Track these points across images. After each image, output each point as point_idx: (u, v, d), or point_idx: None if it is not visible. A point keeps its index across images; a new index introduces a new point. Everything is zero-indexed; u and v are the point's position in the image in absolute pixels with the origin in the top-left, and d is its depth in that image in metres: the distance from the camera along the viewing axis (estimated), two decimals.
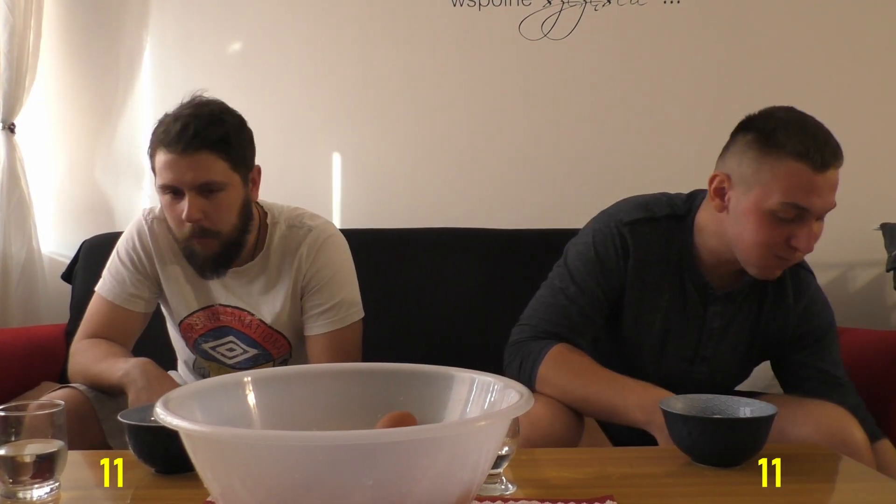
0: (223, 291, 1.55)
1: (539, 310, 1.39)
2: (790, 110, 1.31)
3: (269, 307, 1.55)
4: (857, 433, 1.24)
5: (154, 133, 1.43)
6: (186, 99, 1.46)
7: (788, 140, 1.24)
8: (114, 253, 1.57)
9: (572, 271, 1.39)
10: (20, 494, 0.94)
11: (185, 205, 1.40)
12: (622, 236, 1.37)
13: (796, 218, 1.25)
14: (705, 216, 1.37)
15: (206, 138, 1.39)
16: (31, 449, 0.95)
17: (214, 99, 1.47)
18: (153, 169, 1.45)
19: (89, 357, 1.47)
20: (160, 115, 1.47)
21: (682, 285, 1.38)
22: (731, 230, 1.31)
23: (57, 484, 0.96)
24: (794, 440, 1.23)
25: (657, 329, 1.40)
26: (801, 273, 1.43)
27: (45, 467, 0.95)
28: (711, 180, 1.34)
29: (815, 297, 1.43)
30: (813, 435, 1.24)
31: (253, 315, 1.55)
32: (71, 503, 0.96)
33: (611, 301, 1.39)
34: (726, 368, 1.44)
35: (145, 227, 1.55)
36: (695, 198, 1.42)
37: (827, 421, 1.26)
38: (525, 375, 1.33)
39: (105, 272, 1.57)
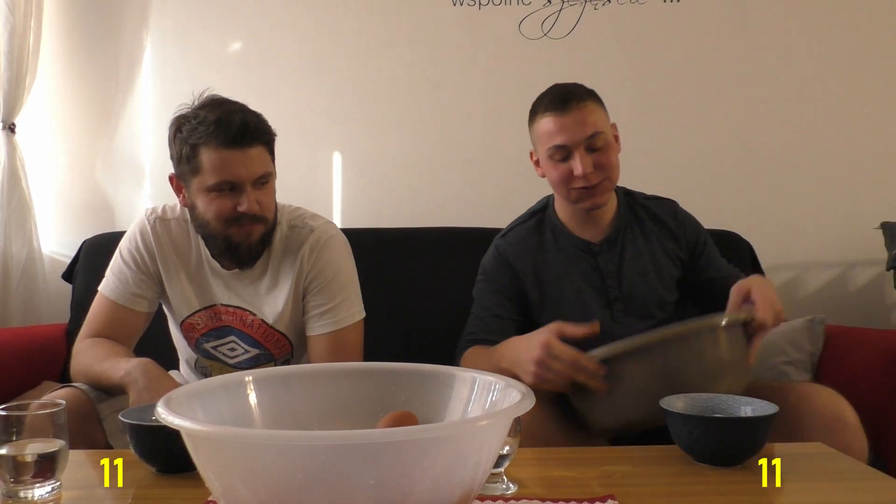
0: (225, 291, 1.55)
1: (464, 332, 1.63)
2: (552, 86, 1.62)
3: (271, 307, 1.55)
4: (849, 413, 1.31)
5: (191, 132, 1.41)
6: (198, 98, 1.46)
7: (538, 105, 1.60)
8: (116, 253, 1.57)
9: (477, 295, 1.67)
10: (21, 494, 0.94)
11: (243, 199, 1.42)
12: (497, 248, 1.68)
13: (566, 155, 1.55)
14: (555, 196, 1.69)
15: (262, 132, 1.45)
16: (33, 448, 0.95)
17: (222, 96, 1.48)
18: (193, 169, 1.42)
19: (91, 356, 1.47)
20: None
21: (566, 253, 1.63)
22: (551, 186, 1.63)
23: (58, 483, 0.97)
24: (790, 421, 1.26)
25: (572, 297, 1.61)
26: (665, 202, 1.72)
27: (46, 467, 0.95)
28: (531, 157, 1.67)
29: (684, 213, 1.71)
30: (809, 415, 1.29)
31: (254, 315, 1.55)
32: (72, 503, 0.96)
33: (515, 298, 1.63)
34: (641, 300, 1.62)
35: (148, 227, 1.55)
36: (549, 197, 1.73)
37: (821, 401, 1.32)
38: None
39: (108, 272, 1.57)
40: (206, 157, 1.40)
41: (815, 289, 2.44)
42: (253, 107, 1.50)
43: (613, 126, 1.61)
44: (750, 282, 1.42)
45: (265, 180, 1.45)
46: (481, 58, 2.46)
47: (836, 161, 2.45)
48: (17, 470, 0.94)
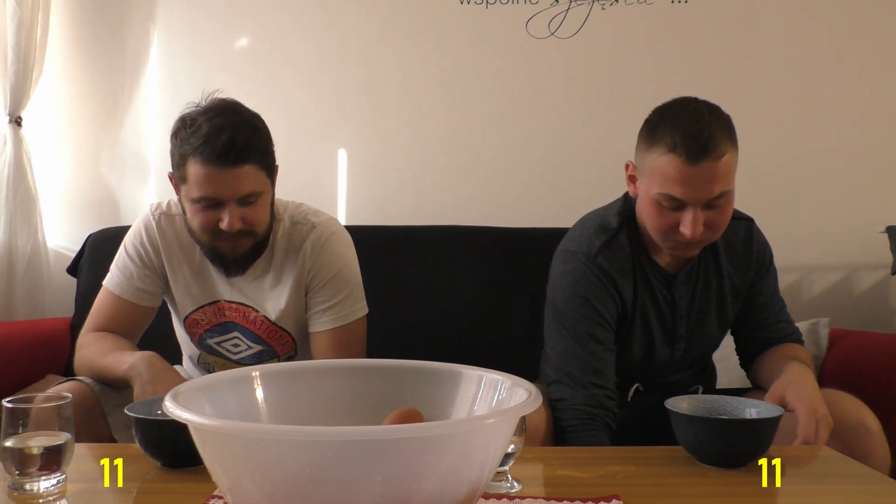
0: (228, 287, 1.55)
1: (573, 361, 1.42)
2: (682, 102, 1.35)
3: (274, 304, 1.55)
4: (870, 420, 1.30)
5: (184, 140, 1.39)
6: (203, 100, 1.43)
7: (664, 134, 1.30)
8: (121, 247, 1.58)
9: (574, 324, 1.43)
10: (27, 486, 0.94)
11: (224, 215, 1.39)
12: (600, 267, 1.43)
13: (678, 206, 1.31)
14: (638, 209, 1.45)
15: (252, 152, 1.38)
16: (39, 441, 0.95)
17: (233, 101, 1.45)
18: (181, 177, 1.41)
19: (95, 350, 1.48)
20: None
21: (647, 279, 1.46)
22: (641, 214, 1.41)
23: (63, 476, 0.97)
24: None
25: (640, 328, 1.48)
26: (741, 224, 1.51)
27: (52, 459, 0.95)
28: (626, 168, 1.44)
29: (758, 235, 1.53)
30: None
31: (257, 311, 1.55)
32: (77, 495, 0.96)
33: (614, 327, 1.45)
34: (700, 341, 1.53)
35: (153, 223, 1.55)
36: (628, 197, 1.50)
37: (844, 408, 1.31)
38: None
39: (112, 266, 1.57)
40: (192, 169, 1.38)
41: (820, 292, 2.43)
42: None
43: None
44: (785, 385, 1.27)
45: (252, 199, 1.41)
46: (488, 56, 2.46)
47: (842, 164, 2.44)
48: (22, 462, 0.94)
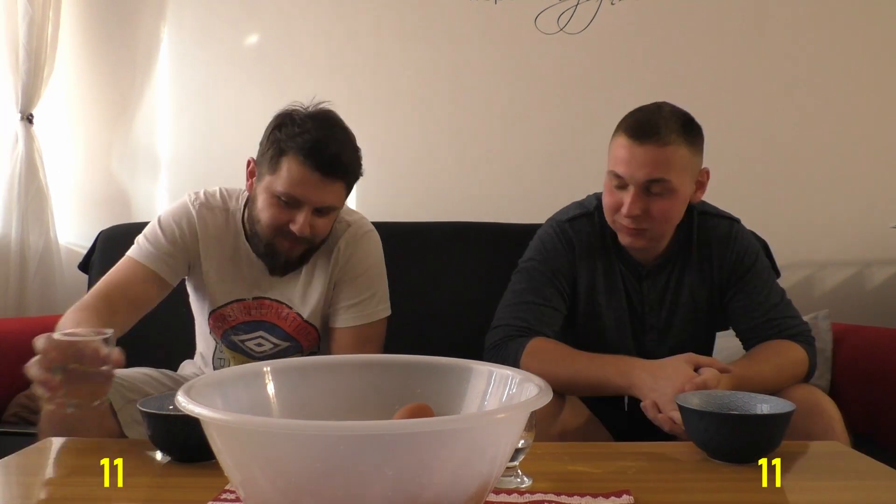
0: (263, 284, 1.55)
1: (506, 311, 1.51)
2: (654, 103, 1.47)
3: (307, 301, 1.55)
4: (828, 406, 1.30)
5: (289, 136, 1.40)
6: (313, 105, 1.46)
7: (624, 121, 1.44)
8: (154, 222, 1.53)
9: (529, 272, 1.53)
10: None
11: (299, 218, 1.41)
12: (564, 232, 1.53)
13: (622, 185, 1.41)
14: None
15: (349, 172, 1.44)
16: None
17: (337, 115, 1.49)
18: (272, 168, 1.41)
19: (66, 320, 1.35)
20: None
21: (615, 269, 1.53)
22: None
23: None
24: None
25: (612, 315, 1.53)
26: (721, 223, 1.54)
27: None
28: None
29: (739, 235, 1.54)
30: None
31: (291, 308, 1.55)
32: (90, 491, 0.97)
33: (566, 291, 1.52)
34: (677, 335, 1.54)
35: (193, 212, 1.52)
36: None
37: (795, 394, 1.29)
38: None
39: (140, 237, 1.52)
40: (288, 166, 1.39)
41: (831, 287, 2.42)
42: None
43: (703, 172, 1.47)
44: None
45: (328, 211, 1.45)
46: (497, 52, 2.46)
47: (853, 160, 2.43)
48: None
